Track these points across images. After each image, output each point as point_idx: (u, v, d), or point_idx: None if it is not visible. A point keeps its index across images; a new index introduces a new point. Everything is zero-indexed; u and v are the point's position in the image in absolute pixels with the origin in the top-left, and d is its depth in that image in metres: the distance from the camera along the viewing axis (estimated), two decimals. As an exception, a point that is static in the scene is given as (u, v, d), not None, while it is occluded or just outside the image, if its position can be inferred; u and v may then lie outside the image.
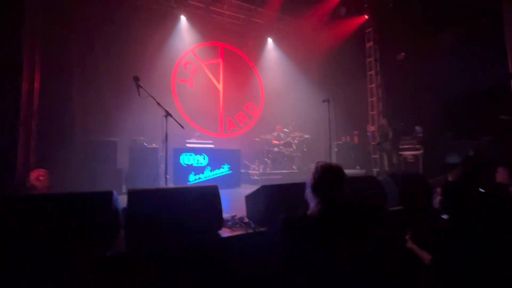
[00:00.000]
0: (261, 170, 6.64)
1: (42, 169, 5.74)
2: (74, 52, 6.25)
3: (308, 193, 1.40)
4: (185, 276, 1.76)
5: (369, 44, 8.36)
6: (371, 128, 8.33)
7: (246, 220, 2.46)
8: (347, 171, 5.90)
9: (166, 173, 2.91)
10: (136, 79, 2.86)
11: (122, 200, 1.94)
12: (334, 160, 6.80)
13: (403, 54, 7.52)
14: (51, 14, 6.00)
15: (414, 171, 5.71)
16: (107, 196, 1.71)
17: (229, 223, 2.36)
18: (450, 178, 2.08)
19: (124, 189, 4.90)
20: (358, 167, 7.35)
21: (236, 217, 2.47)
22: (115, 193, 1.80)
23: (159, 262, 1.70)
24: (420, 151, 6.31)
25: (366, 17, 8.24)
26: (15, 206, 1.51)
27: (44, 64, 6.01)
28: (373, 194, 2.91)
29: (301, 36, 8.98)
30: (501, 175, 2.51)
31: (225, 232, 2.16)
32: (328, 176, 1.36)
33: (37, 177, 5.65)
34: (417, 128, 6.79)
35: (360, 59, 8.49)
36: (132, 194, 1.83)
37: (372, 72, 8.29)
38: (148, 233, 1.80)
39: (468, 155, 5.92)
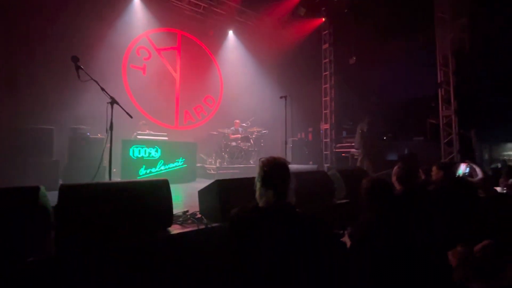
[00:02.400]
0: (217, 164, 6.54)
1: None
2: (3, 27, 5.26)
3: (258, 189, 1.40)
4: (128, 277, 1.63)
5: (325, 46, 8.80)
6: (324, 126, 8.84)
7: (199, 215, 2.39)
8: (301, 166, 6.10)
9: (110, 167, 2.65)
10: (75, 59, 2.52)
11: (55, 197, 1.69)
12: (289, 155, 7.03)
13: (354, 58, 8.10)
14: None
15: (360, 167, 6.22)
16: (33, 192, 1.48)
17: (181, 219, 2.26)
18: (393, 175, 2.31)
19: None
20: (311, 163, 7.74)
21: (188, 213, 2.38)
22: (42, 188, 1.56)
23: (93, 265, 1.54)
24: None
25: (323, 19, 8.63)
26: None
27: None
28: (323, 187, 3.08)
29: (261, 32, 9.01)
30: (435, 174, 2.79)
31: (175, 229, 2.05)
32: (276, 170, 1.37)
33: None
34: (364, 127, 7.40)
35: (317, 60, 8.90)
36: (64, 190, 1.61)
37: (327, 73, 8.77)
38: (82, 234, 1.61)
39: (403, 153, 6.69)
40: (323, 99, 8.84)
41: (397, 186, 2.27)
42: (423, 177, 2.88)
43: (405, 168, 2.24)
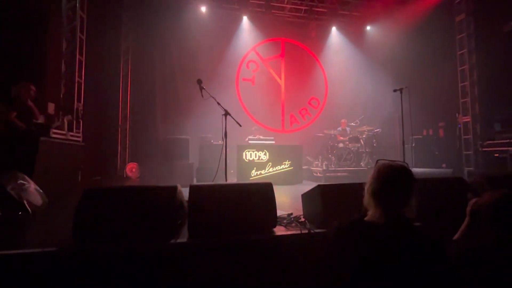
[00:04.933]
0: (324, 167, 6.36)
1: (134, 163, 6.91)
2: (156, 63, 7.24)
3: (367, 198, 1.25)
4: (238, 268, 1.83)
5: (460, 17, 6.92)
6: (463, 119, 6.93)
7: (302, 219, 2.39)
8: (427, 171, 5.03)
9: (225, 169, 3.08)
10: (199, 82, 3.11)
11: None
12: (409, 157, 5.95)
13: (511, 23, 5.95)
14: (139, 34, 7.13)
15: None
16: (172, 190, 1.92)
17: (285, 221, 2.34)
18: None
19: (195, 183, 5.46)
20: (443, 166, 6.24)
21: (292, 216, 2.44)
22: (179, 186, 2.00)
23: (216, 253, 1.82)
24: (536, 147, 4.92)
25: (456, -16, 6.84)
26: (98, 196, 1.87)
27: (134, 76, 7.20)
28: (458, 198, 2.42)
29: (369, 19, 8.12)
30: None
31: (279, 230, 2.15)
32: (392, 181, 1.16)
33: (131, 169, 6.83)
34: None
35: (446, 37, 7.12)
36: (193, 189, 2.00)
37: (464, 50, 6.85)
38: (206, 226, 1.94)
39: None
40: (460, 84, 6.95)
41: None
42: None
43: None
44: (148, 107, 7.13)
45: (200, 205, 1.96)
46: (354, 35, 8.34)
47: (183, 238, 1.88)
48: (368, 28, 8.48)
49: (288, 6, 7.74)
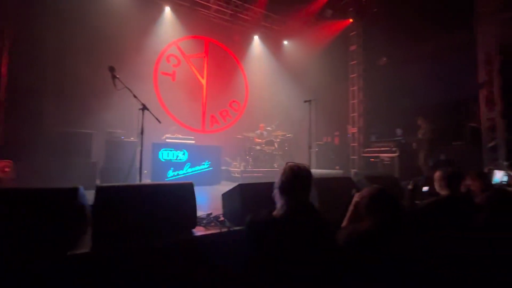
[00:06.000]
0: (242, 168, 6.62)
1: (7, 160, 5.39)
2: (50, 38, 5.88)
3: (276, 194, 1.43)
4: (154, 276, 1.71)
5: (353, 48, 8.55)
6: (352, 129, 8.55)
7: (222, 218, 2.44)
8: (325, 171, 5.96)
9: (141, 169, 2.81)
10: (112, 69, 2.73)
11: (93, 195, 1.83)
12: (313, 160, 6.91)
13: (384, 59, 7.76)
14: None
15: (389, 173, 5.92)
16: (72, 193, 1.62)
17: (204, 221, 2.33)
18: (439, 179, 2.19)
19: (99, 184, 4.70)
20: (337, 168, 7.52)
21: (211, 216, 2.45)
22: (81, 189, 1.71)
23: (126, 262, 1.64)
24: (396, 154, 6.56)
25: (351, 20, 8.40)
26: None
27: (15, 50, 5.63)
28: (347, 194, 2.97)
29: (286, 36, 9.03)
30: (472, 183, 2.46)
31: (199, 231, 2.12)
32: (295, 179, 1.38)
33: (2, 169, 5.30)
34: (398, 131, 7.04)
35: (344, 62, 8.67)
36: (100, 190, 1.75)
37: (355, 75, 8.49)
38: (116, 232, 1.73)
39: (439, 159, 6.24)
40: (350, 102, 8.57)
41: (444, 191, 2.15)
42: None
43: (451, 171, 2.12)
44: (36, 91, 5.71)
45: (109, 209, 1.73)
46: (273, 47, 9.06)
47: (85, 249, 1.61)
48: (285, 42, 9.38)
49: (214, 6, 7.73)
